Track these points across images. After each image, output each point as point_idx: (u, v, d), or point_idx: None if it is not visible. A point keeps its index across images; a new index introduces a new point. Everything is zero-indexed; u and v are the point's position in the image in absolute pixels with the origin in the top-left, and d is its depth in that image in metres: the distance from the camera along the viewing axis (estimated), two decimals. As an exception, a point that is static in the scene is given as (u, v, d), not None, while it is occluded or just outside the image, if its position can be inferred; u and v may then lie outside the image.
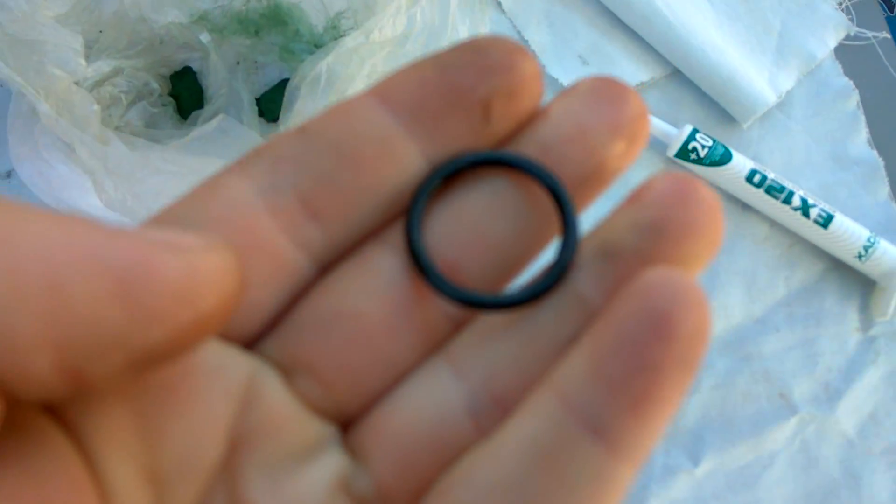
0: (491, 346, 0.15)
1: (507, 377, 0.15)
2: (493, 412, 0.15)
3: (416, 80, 0.15)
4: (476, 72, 0.15)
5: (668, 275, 0.13)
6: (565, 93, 0.16)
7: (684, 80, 0.51)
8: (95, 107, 0.38)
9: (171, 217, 0.15)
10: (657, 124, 0.48)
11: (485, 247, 0.16)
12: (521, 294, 0.15)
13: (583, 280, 0.15)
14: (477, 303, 0.15)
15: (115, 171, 0.37)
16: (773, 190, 0.47)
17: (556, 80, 0.49)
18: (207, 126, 0.37)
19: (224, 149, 0.37)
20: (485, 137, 0.15)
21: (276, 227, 0.15)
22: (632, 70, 0.50)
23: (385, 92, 0.15)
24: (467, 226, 0.16)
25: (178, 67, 0.46)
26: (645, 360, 0.12)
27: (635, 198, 0.15)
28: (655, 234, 0.14)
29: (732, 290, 0.47)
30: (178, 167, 0.37)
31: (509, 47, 0.15)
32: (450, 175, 0.15)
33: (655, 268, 0.13)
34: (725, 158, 0.47)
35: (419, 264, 0.15)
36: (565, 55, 0.50)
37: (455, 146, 0.15)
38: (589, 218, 0.16)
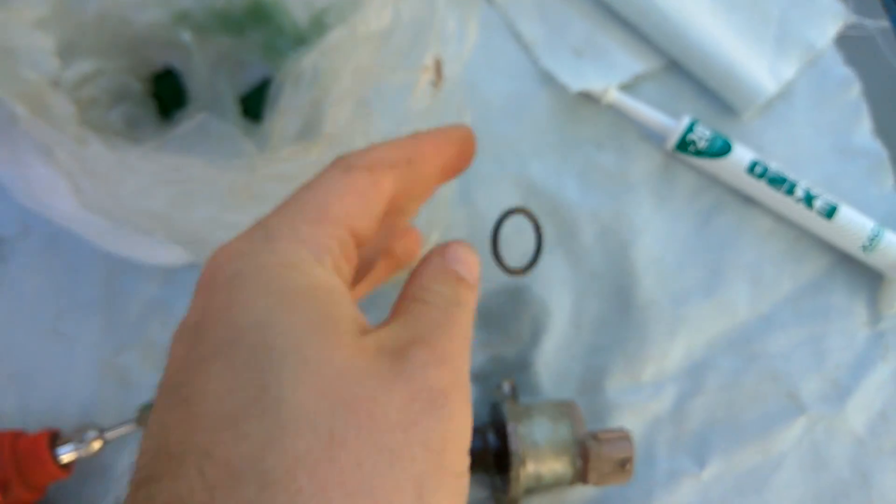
0: None
1: None
2: None
3: None
4: None
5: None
6: None
7: (682, 71, 0.49)
8: (72, 107, 0.36)
9: None
10: (655, 116, 0.47)
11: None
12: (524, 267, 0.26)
13: None
14: (511, 271, 0.25)
15: (94, 171, 0.36)
16: (776, 181, 0.45)
17: (549, 72, 0.48)
18: (188, 125, 0.35)
19: (205, 147, 0.36)
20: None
21: None
22: (627, 62, 0.49)
23: None
24: None
25: (159, 68, 0.44)
26: None
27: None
28: None
29: (738, 286, 0.45)
30: (158, 166, 0.36)
31: None
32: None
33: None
34: (725, 150, 0.46)
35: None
36: (559, 47, 0.49)
37: None
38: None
